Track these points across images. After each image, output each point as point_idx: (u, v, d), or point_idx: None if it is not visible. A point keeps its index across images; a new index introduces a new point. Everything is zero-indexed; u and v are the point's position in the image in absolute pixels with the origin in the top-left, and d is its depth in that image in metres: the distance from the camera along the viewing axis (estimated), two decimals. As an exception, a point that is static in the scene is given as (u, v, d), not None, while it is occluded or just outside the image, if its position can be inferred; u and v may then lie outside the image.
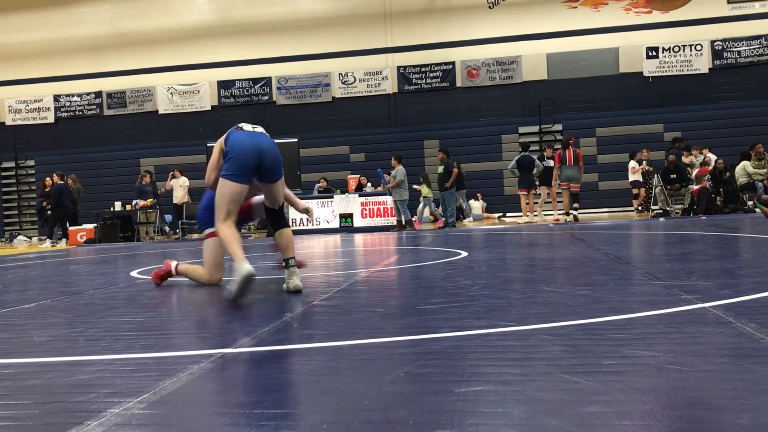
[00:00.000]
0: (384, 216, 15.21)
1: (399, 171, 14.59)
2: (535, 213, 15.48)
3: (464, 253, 7.02)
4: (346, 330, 3.01)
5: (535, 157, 15.28)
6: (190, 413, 1.94)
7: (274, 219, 4.65)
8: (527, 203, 15.12)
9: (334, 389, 2.07)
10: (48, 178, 17.24)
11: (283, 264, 4.50)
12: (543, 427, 1.61)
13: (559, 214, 15.00)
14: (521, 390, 1.94)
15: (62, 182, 16.16)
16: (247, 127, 4.46)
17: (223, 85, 21.69)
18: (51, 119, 22.50)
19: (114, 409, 1.91)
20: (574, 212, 14.56)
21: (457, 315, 3.24)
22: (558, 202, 15.57)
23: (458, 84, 20.75)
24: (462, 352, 2.47)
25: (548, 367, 2.18)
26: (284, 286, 4.43)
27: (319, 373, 2.28)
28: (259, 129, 4.50)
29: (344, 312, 3.55)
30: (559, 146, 15.74)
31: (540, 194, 15.96)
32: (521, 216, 15.63)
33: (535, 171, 14.98)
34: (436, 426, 1.65)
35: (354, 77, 21.11)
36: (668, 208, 15.35)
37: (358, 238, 12.31)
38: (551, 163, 14.99)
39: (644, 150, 17.20)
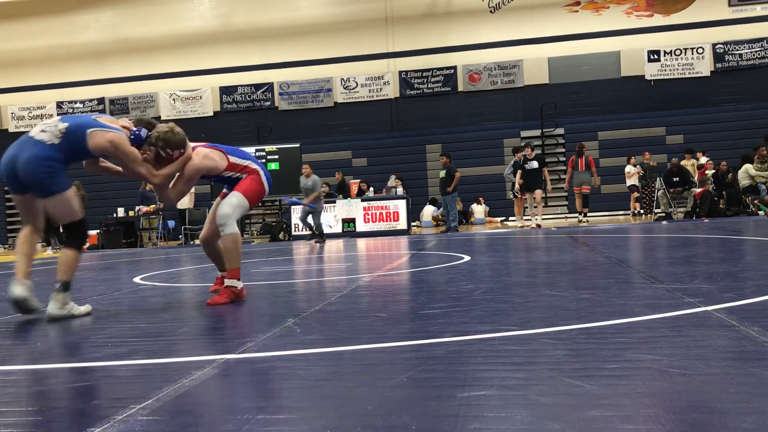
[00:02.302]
0: (387, 221, 15.21)
1: (316, 182, 13.31)
2: (526, 217, 15.17)
3: (467, 257, 7.02)
4: (349, 335, 3.02)
5: (516, 159, 15.02)
6: (194, 419, 1.94)
7: (67, 235, 4.20)
8: (525, 207, 14.99)
9: (337, 394, 2.07)
10: None
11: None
12: (546, 431, 1.61)
13: (537, 221, 14.52)
14: (524, 394, 1.94)
15: None
16: (34, 130, 3.96)
17: (226, 90, 21.74)
18: (54, 126, 22.53)
19: (117, 416, 1.91)
20: (585, 213, 15.32)
21: (459, 319, 3.24)
22: (543, 207, 15.55)
23: (460, 88, 20.77)
24: (464, 356, 2.47)
25: (551, 372, 2.18)
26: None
27: (321, 378, 2.28)
28: (51, 129, 3.92)
29: (347, 317, 3.55)
30: (558, 149, 15.73)
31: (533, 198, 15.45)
32: (517, 219, 15.54)
33: (507, 172, 15.24)
34: (439, 431, 1.66)
35: (356, 82, 21.15)
36: (671, 211, 15.33)
37: (361, 242, 12.31)
38: (534, 164, 14.34)
39: (646, 153, 17.19)
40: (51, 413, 2.07)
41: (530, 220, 14.70)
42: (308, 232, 13.89)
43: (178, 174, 4.32)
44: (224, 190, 4.68)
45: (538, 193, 14.49)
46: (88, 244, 16.36)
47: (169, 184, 4.34)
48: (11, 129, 22.55)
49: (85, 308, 4.08)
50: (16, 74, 22.45)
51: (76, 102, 22.38)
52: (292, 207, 15.19)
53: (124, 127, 4.15)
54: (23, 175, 3.87)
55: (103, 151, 4.05)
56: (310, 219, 13.44)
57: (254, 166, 4.55)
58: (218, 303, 4.19)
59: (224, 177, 4.50)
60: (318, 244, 12.26)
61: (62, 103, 22.49)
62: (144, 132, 4.16)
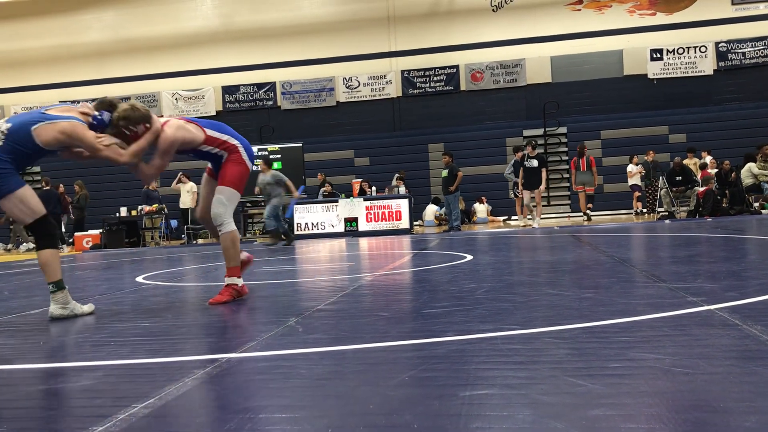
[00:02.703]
0: (390, 220, 15.20)
1: (280, 176, 12.46)
2: (530, 217, 15.05)
3: (469, 257, 7.02)
4: (351, 334, 3.01)
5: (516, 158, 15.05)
6: (196, 418, 1.94)
7: (34, 236, 4.14)
8: (526, 205, 14.93)
9: (339, 393, 2.07)
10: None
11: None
12: (548, 431, 1.61)
13: (536, 222, 14.46)
14: (526, 393, 1.93)
15: (47, 188, 16.26)
16: None
17: (228, 90, 21.76)
18: (56, 125, 22.59)
19: (120, 414, 1.91)
20: (588, 212, 15.58)
21: (462, 319, 3.23)
22: (544, 206, 15.56)
23: (462, 87, 20.76)
24: (467, 355, 2.46)
25: (553, 371, 2.18)
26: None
27: (323, 377, 2.28)
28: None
29: (349, 316, 3.55)
30: (561, 148, 15.70)
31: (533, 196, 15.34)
32: (520, 219, 15.51)
33: (508, 172, 15.29)
34: (441, 430, 1.65)
35: (358, 81, 21.15)
36: (673, 210, 15.31)
37: (363, 242, 12.31)
38: (534, 163, 14.26)
39: (650, 152, 17.16)
40: (54, 412, 2.07)
41: (532, 219, 14.63)
42: (269, 240, 12.38)
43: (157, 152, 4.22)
44: (208, 166, 4.60)
45: (538, 192, 14.39)
46: (91, 243, 16.39)
47: (145, 161, 4.23)
48: (14, 129, 22.59)
49: (88, 307, 4.09)
50: (18, 74, 22.49)
51: (78, 102, 22.38)
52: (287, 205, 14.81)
53: (83, 113, 4.05)
54: None
55: (59, 144, 3.95)
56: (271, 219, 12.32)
57: (233, 141, 4.43)
58: (220, 302, 4.19)
59: (203, 152, 4.37)
60: (282, 245, 11.53)
61: (65, 102, 22.50)
62: (106, 115, 4.09)
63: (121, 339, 3.14)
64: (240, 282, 4.35)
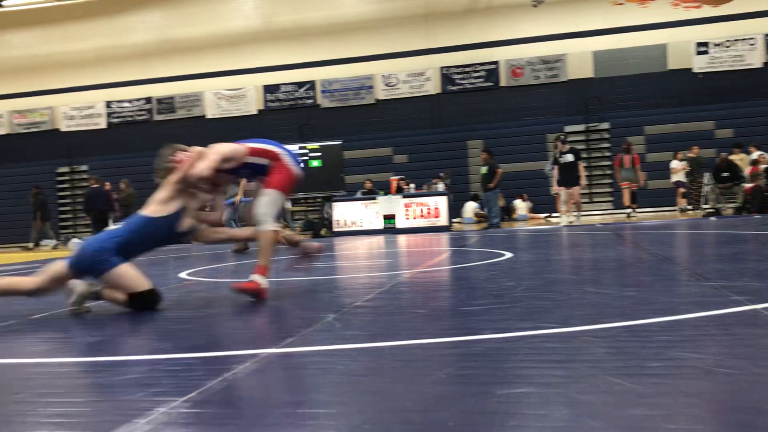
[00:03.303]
0: (428, 217, 15.18)
1: None
2: (569, 213, 14.55)
3: (508, 254, 6.97)
4: (388, 331, 3.03)
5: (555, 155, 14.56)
6: (234, 412, 1.98)
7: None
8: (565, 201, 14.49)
9: (376, 390, 2.09)
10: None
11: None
12: (585, 430, 1.59)
13: (572, 219, 14.00)
14: (564, 392, 1.92)
15: (96, 186, 16.66)
16: None
17: (269, 89, 21.99)
18: (103, 125, 23.15)
19: (161, 408, 1.96)
20: (632, 209, 15.78)
21: (500, 317, 3.22)
22: (585, 202, 15.32)
23: (502, 83, 20.59)
24: (504, 353, 2.45)
25: (592, 370, 2.16)
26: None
27: (360, 373, 2.30)
28: None
29: (387, 313, 3.57)
30: (603, 144, 15.43)
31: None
32: (561, 216, 15.07)
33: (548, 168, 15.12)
34: (477, 428, 1.65)
35: (397, 79, 21.16)
36: (719, 207, 14.95)
37: (402, 239, 12.33)
38: (569, 157, 13.76)
39: (694, 147, 16.77)
40: (97, 405, 2.13)
41: (572, 217, 14.23)
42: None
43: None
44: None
45: (576, 190, 13.80)
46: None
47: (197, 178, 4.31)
48: (62, 129, 23.22)
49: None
50: (66, 75, 23.06)
51: (123, 101, 22.90)
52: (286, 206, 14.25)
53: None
54: None
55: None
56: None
57: (276, 149, 4.53)
58: (241, 287, 4.21)
59: (252, 165, 4.49)
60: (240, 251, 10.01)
61: (111, 102, 23.04)
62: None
63: (164, 334, 3.21)
64: (264, 282, 4.28)
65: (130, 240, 4.11)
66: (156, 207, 4.25)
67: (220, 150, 4.38)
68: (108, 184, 17.81)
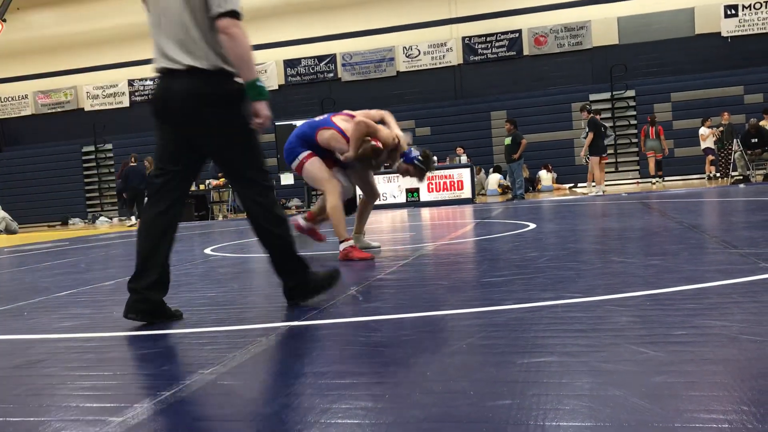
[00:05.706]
0: (451, 190, 15.11)
1: None
2: (593, 183, 14.50)
3: (532, 225, 6.93)
4: (410, 303, 3.03)
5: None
6: (258, 383, 2.01)
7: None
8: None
9: (397, 360, 2.10)
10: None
11: None
12: (606, 398, 1.59)
13: (589, 189, 14.17)
14: (586, 361, 1.91)
15: (134, 164, 16.73)
16: None
17: (290, 63, 21.92)
18: (126, 103, 23.31)
19: (186, 380, 1.99)
20: (659, 178, 15.98)
21: (522, 287, 3.21)
22: (610, 172, 15.16)
23: (525, 52, 20.29)
24: (526, 323, 2.45)
25: (615, 338, 2.14)
26: None
27: (382, 344, 2.31)
28: None
29: (409, 285, 3.57)
30: (629, 112, 15.11)
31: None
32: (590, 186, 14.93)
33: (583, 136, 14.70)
34: (497, 396, 1.65)
35: (418, 50, 20.95)
36: (748, 174, 14.67)
37: (425, 212, 12.30)
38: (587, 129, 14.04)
39: (725, 113, 16.42)
40: (125, 378, 2.17)
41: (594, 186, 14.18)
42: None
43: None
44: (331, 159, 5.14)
45: (594, 159, 13.87)
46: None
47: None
48: (87, 108, 23.44)
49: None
50: (89, 54, 23.18)
51: (146, 80, 22.99)
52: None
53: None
54: None
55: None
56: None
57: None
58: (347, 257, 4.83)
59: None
60: None
61: (133, 81, 23.16)
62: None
63: (189, 308, 3.25)
64: (346, 245, 4.92)
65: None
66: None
67: (362, 120, 5.10)
68: (150, 159, 17.71)
